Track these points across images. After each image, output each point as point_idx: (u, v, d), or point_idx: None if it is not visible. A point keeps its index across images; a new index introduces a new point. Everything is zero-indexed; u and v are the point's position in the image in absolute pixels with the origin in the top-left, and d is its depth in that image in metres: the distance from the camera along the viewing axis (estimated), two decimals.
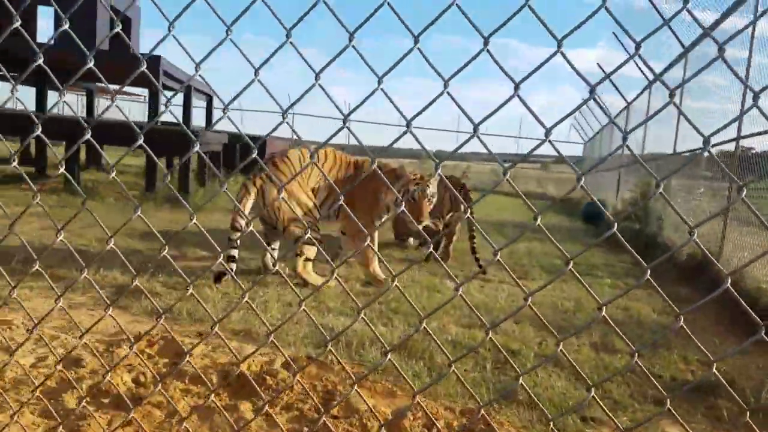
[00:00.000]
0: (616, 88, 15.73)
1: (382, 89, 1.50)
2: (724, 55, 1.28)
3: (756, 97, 1.26)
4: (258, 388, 2.42)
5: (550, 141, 1.44)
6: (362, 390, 3.28)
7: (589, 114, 22.13)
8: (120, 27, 1.67)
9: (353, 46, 1.50)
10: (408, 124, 1.48)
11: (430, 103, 1.48)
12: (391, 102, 1.54)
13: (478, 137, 1.50)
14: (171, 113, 1.75)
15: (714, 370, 1.31)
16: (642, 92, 14.09)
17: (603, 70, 15.86)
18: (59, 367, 2.14)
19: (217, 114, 14.21)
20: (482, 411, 1.58)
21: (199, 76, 1.70)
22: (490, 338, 1.59)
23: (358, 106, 1.59)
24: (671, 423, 3.09)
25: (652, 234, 10.08)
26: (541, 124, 1.42)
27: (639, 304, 5.73)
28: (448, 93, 1.44)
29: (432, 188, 5.87)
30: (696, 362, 4.08)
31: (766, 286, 5.74)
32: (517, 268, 7.23)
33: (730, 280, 1.28)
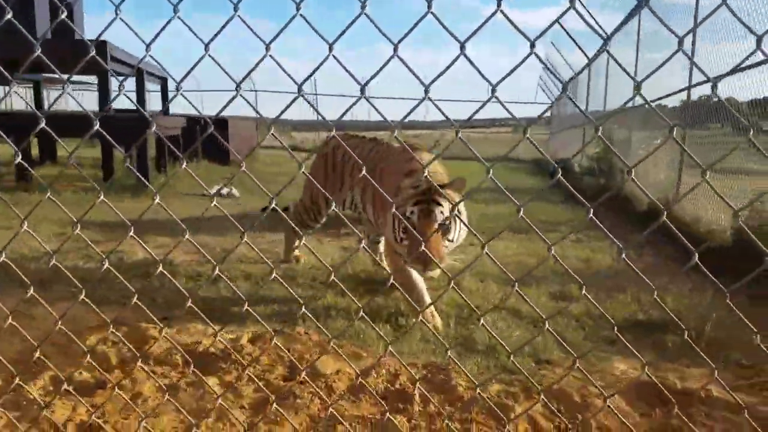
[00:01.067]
0: (577, 45, 15.85)
1: (333, 56, 1.49)
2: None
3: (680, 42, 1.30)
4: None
5: (497, 98, 1.46)
6: (328, 356, 3.35)
7: (557, 71, 22.28)
8: (65, 14, 1.64)
9: (301, 15, 1.49)
10: (362, 90, 1.48)
11: (381, 68, 1.48)
12: (345, 69, 1.53)
13: (429, 99, 1.52)
14: (125, 96, 1.73)
15: (656, 296, 1.36)
16: (601, 49, 14.20)
17: (562, 27, 15.96)
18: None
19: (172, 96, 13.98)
20: (448, 355, 1.64)
21: (150, 56, 1.66)
22: (454, 288, 1.65)
23: (310, 75, 1.58)
24: (622, 359, 3.23)
25: (616, 187, 10.29)
26: (487, 81, 1.44)
27: (599, 255, 5.89)
28: (398, 57, 1.44)
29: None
30: (648, 303, 4.24)
31: (717, 227, 5.94)
32: (487, 230, 7.34)
33: (665, 214, 1.35)
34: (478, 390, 3.02)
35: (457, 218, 3.46)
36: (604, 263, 5.63)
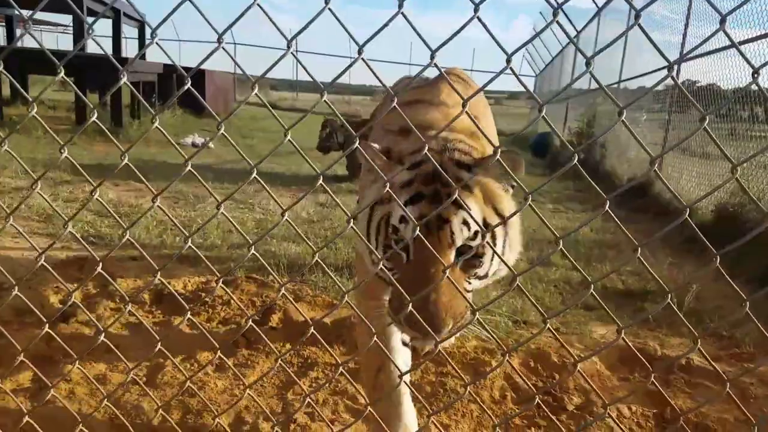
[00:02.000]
0: (567, 17, 15.70)
1: (329, 9, 1.31)
2: None
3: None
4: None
5: (512, 69, 1.31)
6: (303, 304, 3.27)
7: (541, 47, 22.10)
8: None
9: None
10: (360, 51, 1.29)
11: (382, 28, 1.31)
12: (342, 25, 1.35)
13: (435, 65, 1.33)
14: (94, 41, 1.54)
15: (638, 255, 1.27)
16: (590, 21, 14.10)
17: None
18: None
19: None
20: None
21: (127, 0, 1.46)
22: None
23: (302, 30, 1.39)
24: (600, 324, 3.21)
25: (595, 162, 10.29)
26: (503, 50, 1.27)
27: (576, 225, 5.88)
28: (403, 16, 1.28)
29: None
30: (627, 273, 4.23)
31: (697, 205, 5.96)
32: None
33: (687, 212, 1.26)
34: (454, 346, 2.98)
35: (496, 236, 1.67)
36: (582, 232, 5.62)
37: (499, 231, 1.65)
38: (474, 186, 1.62)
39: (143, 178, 1.36)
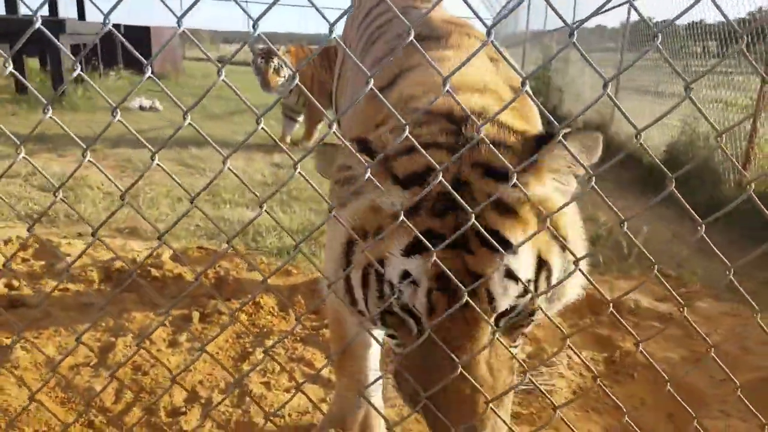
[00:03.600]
0: None
1: None
2: None
3: None
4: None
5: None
6: (257, 274, 3.23)
7: None
8: None
9: None
10: None
11: None
12: None
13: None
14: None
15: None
16: None
17: None
18: None
19: (88, 3, 12.78)
20: None
21: None
22: None
23: None
24: None
25: (553, 107, 10.33)
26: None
27: None
28: None
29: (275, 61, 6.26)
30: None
31: (650, 144, 6.05)
32: None
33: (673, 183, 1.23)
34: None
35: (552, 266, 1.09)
36: None
37: (557, 260, 1.09)
38: (521, 205, 1.03)
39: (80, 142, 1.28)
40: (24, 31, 0.89)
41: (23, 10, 9.89)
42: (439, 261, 0.94)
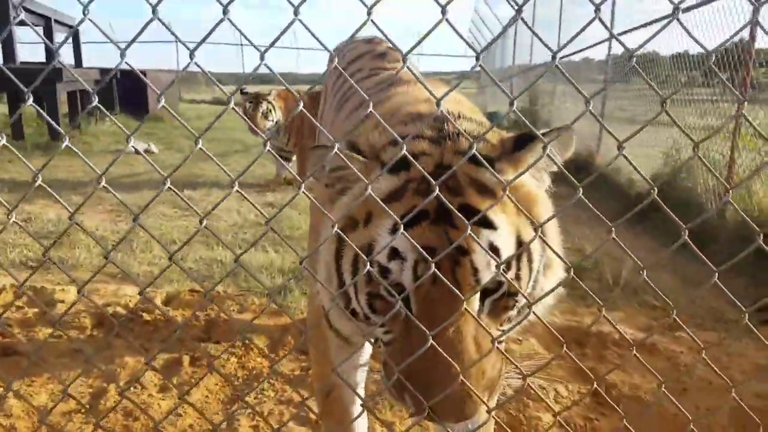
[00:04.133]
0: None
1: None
2: None
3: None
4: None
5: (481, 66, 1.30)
6: (248, 314, 3.28)
7: (483, 27, 22.28)
8: None
9: None
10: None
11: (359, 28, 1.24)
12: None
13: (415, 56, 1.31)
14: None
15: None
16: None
17: None
18: None
19: (85, 48, 13.07)
20: None
21: None
22: None
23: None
24: None
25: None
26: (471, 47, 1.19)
27: None
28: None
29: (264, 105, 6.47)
30: (567, 249, 4.35)
31: (636, 177, 6.16)
32: None
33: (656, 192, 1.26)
34: None
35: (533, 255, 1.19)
36: None
37: (535, 245, 1.16)
38: (498, 189, 1.12)
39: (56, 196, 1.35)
40: (24, 78, 0.97)
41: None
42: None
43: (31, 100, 0.96)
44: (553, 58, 1.01)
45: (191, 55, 0.99)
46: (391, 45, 2.34)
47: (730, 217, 4.66)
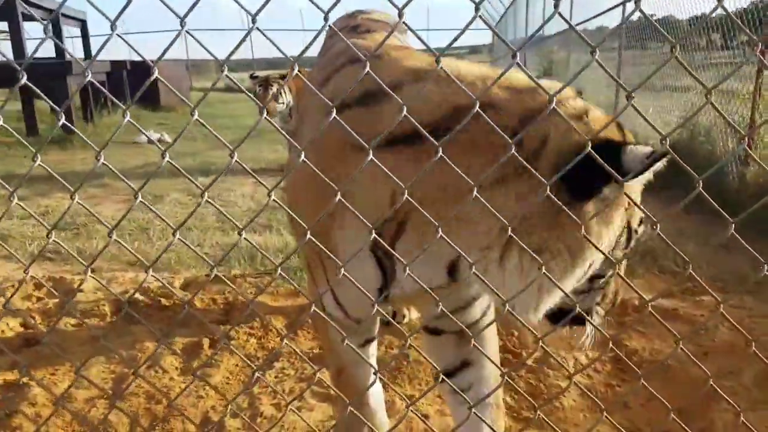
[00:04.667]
0: None
1: None
2: None
3: None
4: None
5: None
6: (266, 296, 3.29)
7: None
8: None
9: None
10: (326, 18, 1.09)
11: None
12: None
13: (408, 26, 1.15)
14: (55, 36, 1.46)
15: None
16: None
17: None
18: None
19: (93, 41, 13.09)
20: None
21: None
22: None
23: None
24: None
25: None
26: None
27: None
28: None
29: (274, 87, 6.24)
30: None
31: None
32: None
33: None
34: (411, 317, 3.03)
35: None
36: None
37: None
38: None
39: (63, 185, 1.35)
40: (35, 73, 0.95)
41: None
42: None
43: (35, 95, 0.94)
44: (514, 56, 0.95)
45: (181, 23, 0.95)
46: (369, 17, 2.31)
47: (751, 179, 4.56)
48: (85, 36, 13.05)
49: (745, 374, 2.41)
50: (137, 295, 3.18)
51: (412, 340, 2.75)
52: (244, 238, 1.08)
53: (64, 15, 11.72)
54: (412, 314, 3.04)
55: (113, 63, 11.73)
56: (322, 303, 1.47)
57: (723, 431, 2.14)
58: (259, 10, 0.99)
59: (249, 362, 1.80)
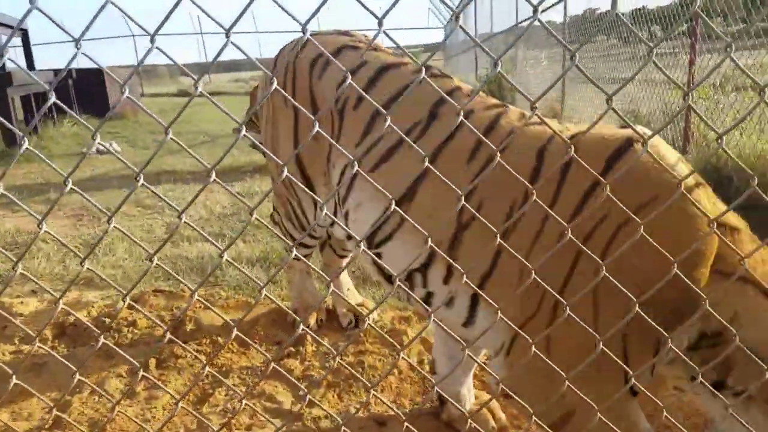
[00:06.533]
0: None
1: None
2: None
3: None
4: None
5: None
6: (216, 309, 3.20)
7: None
8: None
9: None
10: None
11: None
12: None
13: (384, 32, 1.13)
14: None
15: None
16: None
17: None
18: None
19: (36, 50, 12.61)
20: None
21: None
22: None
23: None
24: None
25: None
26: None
27: None
28: None
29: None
30: None
31: None
32: None
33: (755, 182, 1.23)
34: (369, 321, 3.01)
35: None
36: None
37: None
38: None
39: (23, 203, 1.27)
40: None
41: None
42: None
43: None
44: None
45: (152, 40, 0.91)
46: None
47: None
48: (26, 45, 12.58)
49: None
50: (80, 318, 3.06)
51: (369, 344, 2.71)
52: (227, 260, 1.03)
53: (2, 24, 11.29)
54: (374, 315, 3.03)
55: (57, 72, 11.34)
56: None
57: None
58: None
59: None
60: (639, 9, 7.21)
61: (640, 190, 1.42)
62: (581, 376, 1.24)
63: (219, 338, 2.84)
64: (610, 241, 1.43)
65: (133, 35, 24.88)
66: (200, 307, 3.20)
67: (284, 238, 2.43)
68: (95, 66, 12.93)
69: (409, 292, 1.33)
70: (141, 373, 1.22)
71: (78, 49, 0.99)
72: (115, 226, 1.03)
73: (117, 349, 1.26)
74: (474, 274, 1.58)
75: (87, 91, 12.47)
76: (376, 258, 1.82)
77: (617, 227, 1.42)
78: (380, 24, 1.03)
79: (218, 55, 1.12)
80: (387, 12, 1.05)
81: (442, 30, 28.19)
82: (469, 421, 1.59)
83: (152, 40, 0.94)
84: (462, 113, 1.04)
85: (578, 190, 1.50)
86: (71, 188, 0.97)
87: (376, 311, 3.10)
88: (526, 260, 1.35)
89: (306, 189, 1.51)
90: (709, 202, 1.48)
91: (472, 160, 1.71)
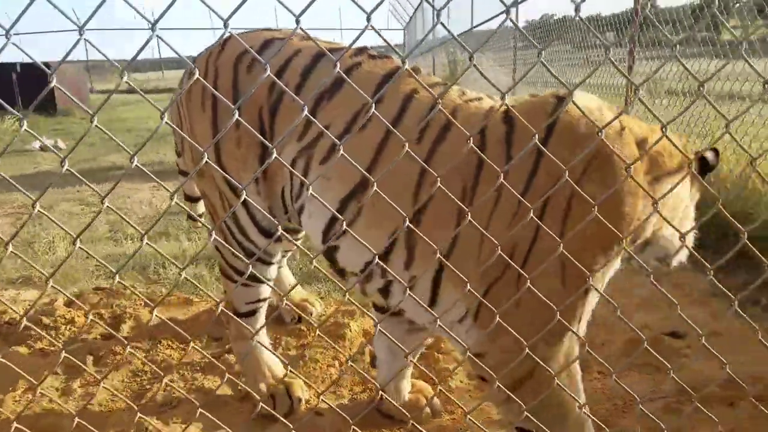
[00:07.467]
0: None
1: None
2: None
3: None
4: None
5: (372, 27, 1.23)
6: (158, 307, 3.19)
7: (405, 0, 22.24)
8: None
9: None
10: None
11: None
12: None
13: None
14: None
15: None
16: None
17: None
18: None
19: None
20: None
21: None
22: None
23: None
24: None
25: None
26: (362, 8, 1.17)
27: None
28: None
29: None
30: None
31: None
32: None
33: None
34: (311, 319, 3.05)
35: None
36: None
37: None
38: None
39: None
40: None
41: None
42: None
43: None
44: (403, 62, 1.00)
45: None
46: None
47: None
48: None
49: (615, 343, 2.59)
50: (17, 316, 3.01)
51: (311, 338, 2.75)
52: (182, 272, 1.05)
53: None
54: (317, 308, 3.06)
55: (22, 65, 10.94)
56: None
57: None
58: None
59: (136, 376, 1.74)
60: (593, 16, 7.47)
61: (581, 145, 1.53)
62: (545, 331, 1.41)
63: (160, 334, 2.83)
64: (570, 196, 1.55)
65: (80, 29, 24.05)
66: (140, 304, 3.17)
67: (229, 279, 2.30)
68: (42, 60, 12.45)
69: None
70: (83, 366, 1.23)
71: (8, 39, 1.00)
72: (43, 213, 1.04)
73: (54, 346, 1.27)
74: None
75: (31, 87, 12.08)
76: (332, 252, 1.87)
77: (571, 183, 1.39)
78: (297, 22, 1.07)
79: (141, 49, 1.15)
80: (304, 11, 1.10)
81: (400, 32, 28.36)
82: (405, 411, 1.68)
83: (153, 29, 0.95)
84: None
85: (527, 158, 1.59)
86: (19, 187, 0.98)
87: (321, 305, 3.13)
88: (486, 231, 1.47)
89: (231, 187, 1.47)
90: (641, 129, 1.67)
91: (421, 140, 1.71)
